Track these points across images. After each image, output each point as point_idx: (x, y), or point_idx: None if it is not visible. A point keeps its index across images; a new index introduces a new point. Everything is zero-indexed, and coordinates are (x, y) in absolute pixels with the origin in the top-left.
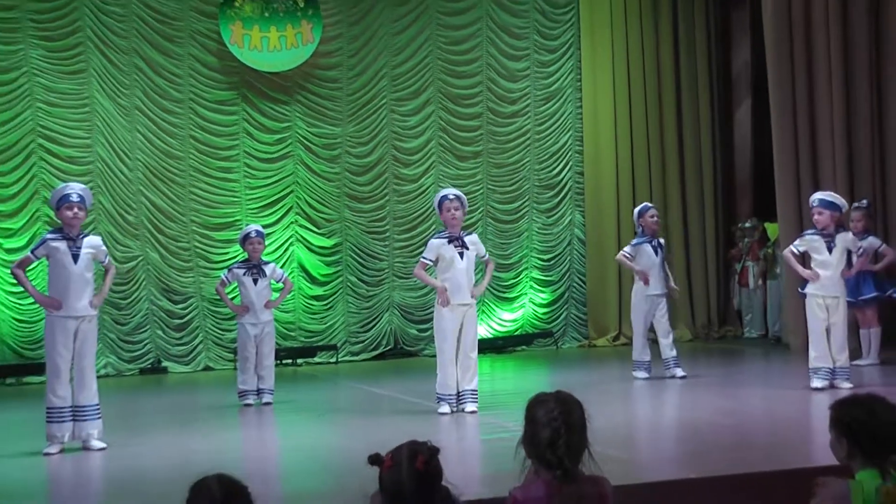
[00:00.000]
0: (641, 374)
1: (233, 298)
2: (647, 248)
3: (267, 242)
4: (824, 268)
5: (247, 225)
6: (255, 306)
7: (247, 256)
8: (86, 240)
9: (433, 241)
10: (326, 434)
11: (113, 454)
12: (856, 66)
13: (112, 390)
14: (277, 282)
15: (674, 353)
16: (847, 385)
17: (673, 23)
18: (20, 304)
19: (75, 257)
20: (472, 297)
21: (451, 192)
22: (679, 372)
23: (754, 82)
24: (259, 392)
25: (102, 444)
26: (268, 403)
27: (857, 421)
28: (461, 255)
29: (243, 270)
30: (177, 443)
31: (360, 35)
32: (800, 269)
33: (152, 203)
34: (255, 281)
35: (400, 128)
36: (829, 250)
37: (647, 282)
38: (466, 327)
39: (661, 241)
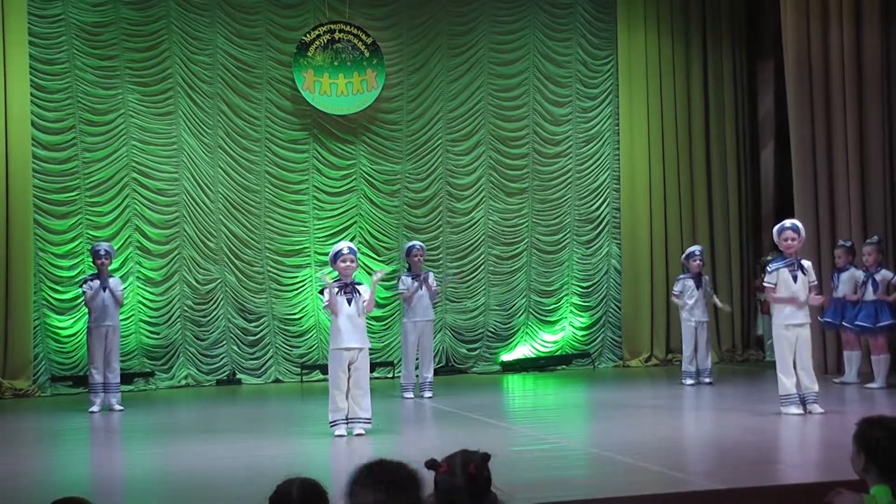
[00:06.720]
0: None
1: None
2: (785, 272)
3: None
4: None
5: (338, 242)
6: (346, 329)
7: (338, 275)
8: (111, 279)
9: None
10: (384, 441)
11: (191, 454)
12: (869, 112)
13: (191, 399)
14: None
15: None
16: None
17: (703, 73)
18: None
19: (104, 289)
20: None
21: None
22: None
23: (777, 127)
24: (349, 422)
25: (121, 408)
26: (359, 434)
27: (876, 438)
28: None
29: (337, 289)
30: (247, 446)
31: (419, 82)
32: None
33: (231, 231)
34: (350, 301)
35: (454, 166)
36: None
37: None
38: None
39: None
